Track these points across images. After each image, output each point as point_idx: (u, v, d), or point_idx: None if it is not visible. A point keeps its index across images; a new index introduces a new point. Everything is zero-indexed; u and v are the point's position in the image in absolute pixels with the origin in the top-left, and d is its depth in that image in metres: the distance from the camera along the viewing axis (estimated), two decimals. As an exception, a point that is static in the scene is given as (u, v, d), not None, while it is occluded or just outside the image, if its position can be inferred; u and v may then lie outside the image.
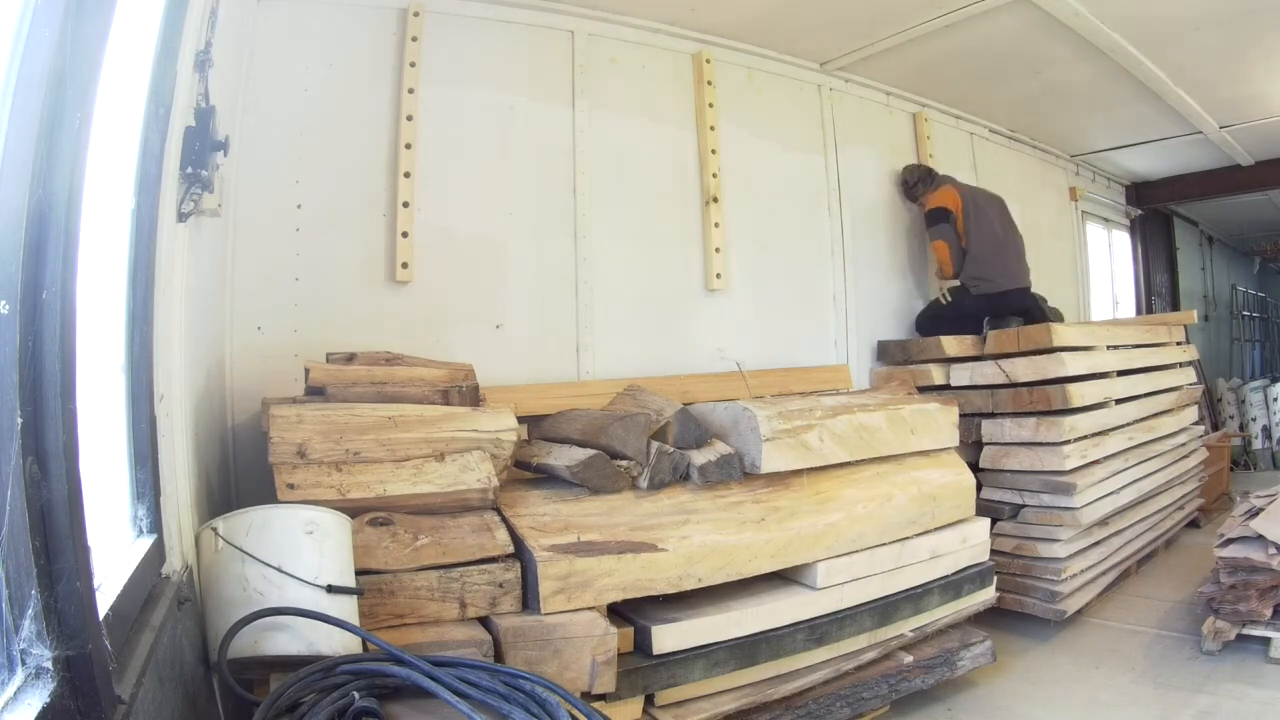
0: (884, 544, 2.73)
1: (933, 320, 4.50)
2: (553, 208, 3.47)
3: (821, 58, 4.31)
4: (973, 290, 4.36)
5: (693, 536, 2.33)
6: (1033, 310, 4.50)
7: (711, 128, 3.86)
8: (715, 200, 3.85)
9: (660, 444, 2.49)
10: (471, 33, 3.26)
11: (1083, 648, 3.33)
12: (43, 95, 0.91)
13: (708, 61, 3.89)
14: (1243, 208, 8.26)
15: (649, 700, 2.23)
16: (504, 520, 2.23)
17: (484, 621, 2.06)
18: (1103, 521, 3.76)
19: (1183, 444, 4.71)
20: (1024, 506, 3.63)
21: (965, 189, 4.60)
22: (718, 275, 3.84)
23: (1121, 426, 3.99)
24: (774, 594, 2.50)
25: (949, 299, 4.45)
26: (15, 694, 0.87)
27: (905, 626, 2.80)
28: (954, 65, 4.44)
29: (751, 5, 3.57)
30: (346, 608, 1.75)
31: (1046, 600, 3.48)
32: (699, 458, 2.50)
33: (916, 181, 4.66)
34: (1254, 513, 3.37)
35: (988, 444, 3.75)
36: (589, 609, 2.10)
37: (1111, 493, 3.80)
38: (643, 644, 2.21)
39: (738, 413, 2.63)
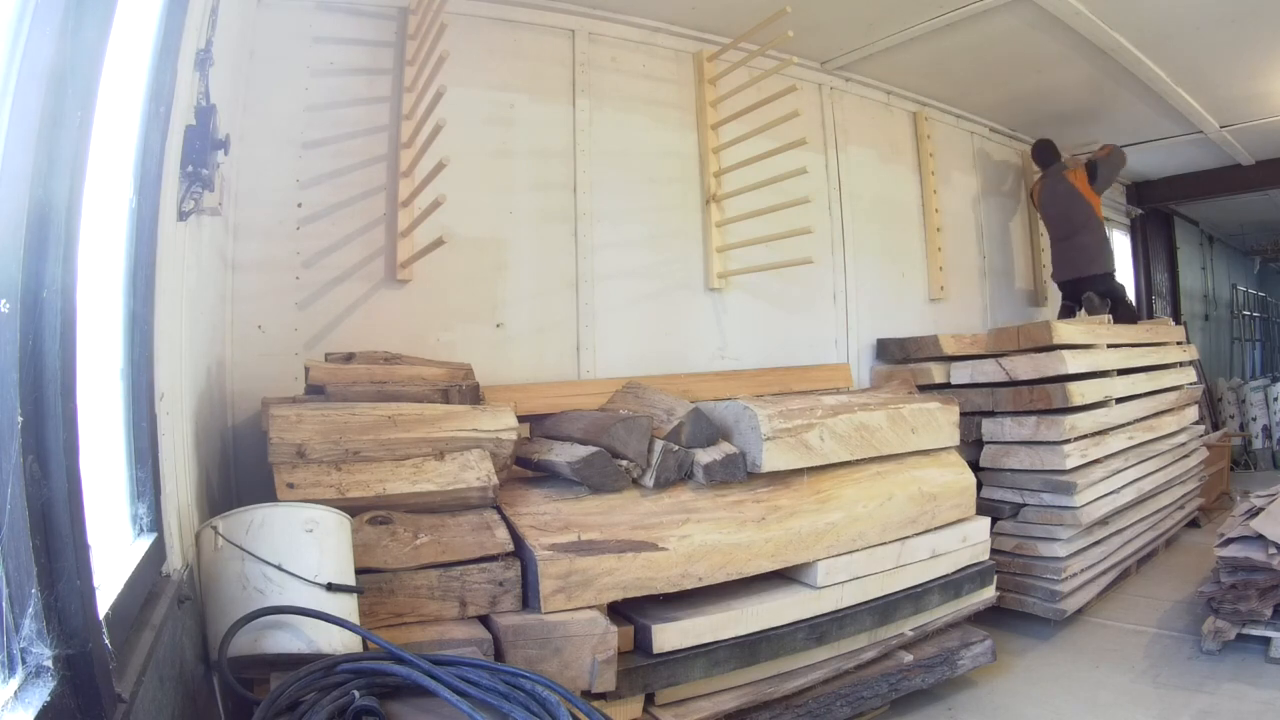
0: (884, 543, 2.73)
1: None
2: (553, 206, 3.47)
3: (822, 56, 4.31)
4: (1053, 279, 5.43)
5: (693, 536, 2.33)
6: (1114, 294, 5.10)
7: (713, 127, 3.86)
8: (716, 199, 3.85)
9: (666, 443, 2.49)
10: (472, 31, 3.26)
11: (1083, 647, 3.33)
12: (43, 95, 0.91)
13: (709, 60, 3.89)
14: (1243, 207, 8.26)
15: (649, 699, 2.23)
16: (504, 519, 2.23)
17: (484, 620, 2.06)
18: (1103, 521, 3.75)
19: (1183, 443, 4.71)
20: (1024, 506, 3.63)
21: (1047, 182, 5.29)
22: (718, 274, 3.84)
23: (1122, 425, 3.99)
24: (774, 593, 2.50)
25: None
26: (15, 693, 0.87)
27: (905, 625, 2.80)
28: (954, 64, 4.44)
29: (752, 5, 3.56)
30: (347, 606, 1.75)
31: (1047, 599, 3.48)
32: (704, 456, 2.50)
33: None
34: (1254, 512, 3.37)
35: (988, 443, 3.75)
36: (589, 608, 2.11)
37: (1112, 492, 3.79)
38: (643, 643, 2.21)
39: (738, 412, 2.63)
